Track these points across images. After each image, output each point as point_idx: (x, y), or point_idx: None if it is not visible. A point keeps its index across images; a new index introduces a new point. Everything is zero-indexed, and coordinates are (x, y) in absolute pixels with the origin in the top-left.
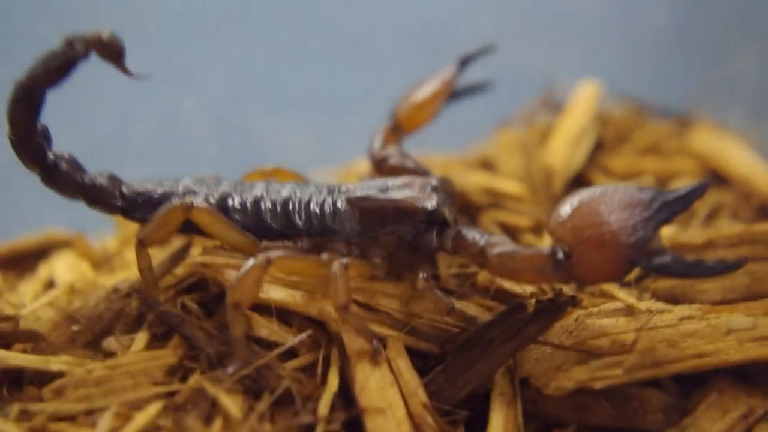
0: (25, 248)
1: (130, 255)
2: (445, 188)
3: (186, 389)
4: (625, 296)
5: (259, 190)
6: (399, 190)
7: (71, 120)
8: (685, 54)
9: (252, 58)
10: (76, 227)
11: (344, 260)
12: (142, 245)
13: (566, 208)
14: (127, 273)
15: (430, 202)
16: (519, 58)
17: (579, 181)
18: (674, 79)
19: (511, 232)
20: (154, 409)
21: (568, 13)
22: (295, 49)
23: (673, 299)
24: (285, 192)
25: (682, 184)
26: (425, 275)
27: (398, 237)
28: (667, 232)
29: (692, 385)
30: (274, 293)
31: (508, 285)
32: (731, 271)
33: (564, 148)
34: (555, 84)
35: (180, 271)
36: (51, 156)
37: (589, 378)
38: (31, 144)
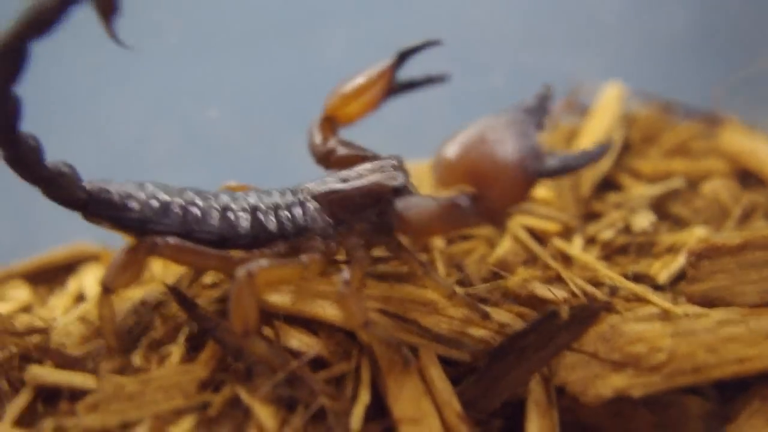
0: (54, 262)
1: (157, 266)
2: (402, 166)
3: (219, 400)
4: (661, 301)
5: (225, 198)
6: (360, 177)
7: (95, 132)
8: (709, 53)
9: (276, 68)
10: (103, 240)
11: (344, 276)
12: (107, 291)
13: (448, 156)
14: (155, 285)
15: (398, 179)
16: (543, 62)
17: (607, 183)
18: (699, 79)
19: (540, 236)
20: (187, 422)
21: (590, 15)
22: (318, 58)
23: (709, 302)
24: (251, 199)
25: (712, 185)
26: (425, 263)
27: (369, 221)
28: (701, 233)
29: (733, 392)
30: (303, 305)
31: (540, 291)
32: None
33: None
34: (579, 86)
35: (208, 279)
36: (47, 169)
37: (627, 385)
38: (22, 156)
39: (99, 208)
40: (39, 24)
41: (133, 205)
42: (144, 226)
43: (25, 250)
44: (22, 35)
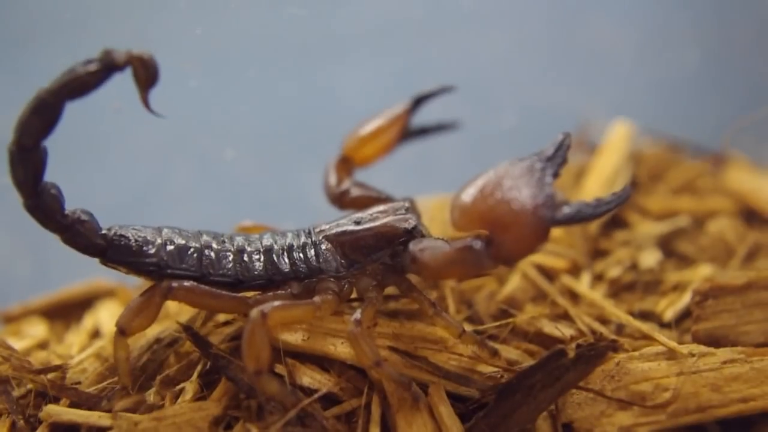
0: (70, 298)
1: (172, 304)
2: (415, 208)
3: None
4: (666, 340)
5: (239, 240)
6: (374, 219)
7: (113, 171)
8: (718, 93)
9: (291, 109)
10: (119, 277)
11: (356, 316)
12: (122, 334)
13: (465, 201)
14: (169, 322)
15: (410, 222)
16: (552, 99)
17: (614, 221)
18: (707, 119)
19: (548, 273)
20: None
21: (601, 53)
22: (333, 99)
23: (715, 342)
24: (266, 240)
25: (718, 223)
26: (435, 303)
27: (382, 263)
28: (707, 272)
29: (738, 430)
30: (315, 343)
31: (548, 329)
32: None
33: (598, 188)
34: (588, 124)
35: (221, 317)
36: (66, 217)
37: (632, 423)
38: (43, 205)
39: (117, 254)
40: (78, 87)
41: (150, 251)
42: (161, 272)
43: (42, 286)
44: (60, 95)
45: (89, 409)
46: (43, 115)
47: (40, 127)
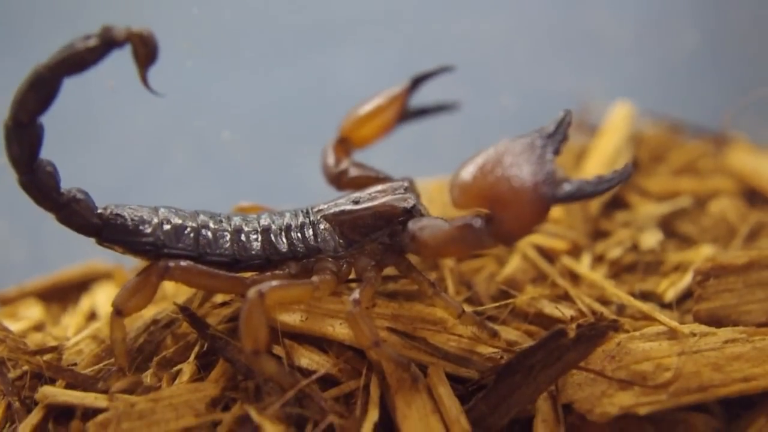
0: (67, 281)
1: (169, 285)
2: (414, 188)
3: (229, 419)
4: (668, 320)
5: (237, 220)
6: (372, 199)
7: (109, 152)
8: (718, 74)
9: (288, 90)
10: (116, 258)
11: (354, 296)
12: (119, 314)
13: (465, 178)
14: (166, 304)
15: (409, 201)
16: (552, 80)
17: (615, 202)
18: (708, 99)
19: (548, 254)
20: None
21: (601, 34)
22: (331, 80)
23: (716, 321)
24: (263, 220)
25: (720, 204)
26: (434, 283)
27: (381, 242)
28: (708, 252)
29: (739, 409)
30: (313, 324)
31: (548, 309)
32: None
33: (599, 169)
34: (589, 105)
35: (219, 298)
36: (62, 196)
37: (633, 403)
38: (38, 182)
39: (113, 233)
40: (76, 63)
41: (147, 230)
42: (157, 251)
43: (38, 268)
44: (57, 70)
45: (85, 390)
46: (40, 90)
47: (37, 103)
